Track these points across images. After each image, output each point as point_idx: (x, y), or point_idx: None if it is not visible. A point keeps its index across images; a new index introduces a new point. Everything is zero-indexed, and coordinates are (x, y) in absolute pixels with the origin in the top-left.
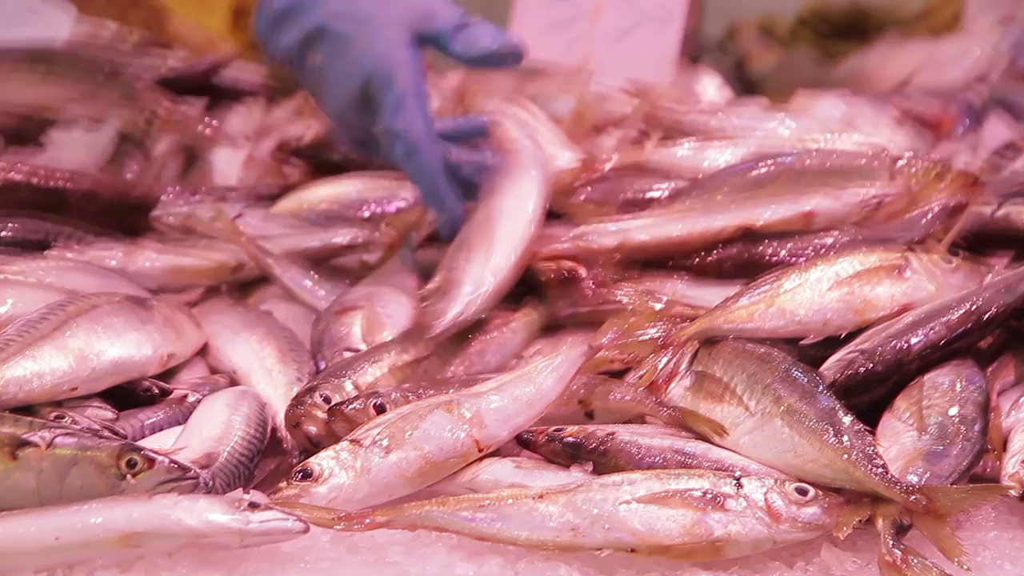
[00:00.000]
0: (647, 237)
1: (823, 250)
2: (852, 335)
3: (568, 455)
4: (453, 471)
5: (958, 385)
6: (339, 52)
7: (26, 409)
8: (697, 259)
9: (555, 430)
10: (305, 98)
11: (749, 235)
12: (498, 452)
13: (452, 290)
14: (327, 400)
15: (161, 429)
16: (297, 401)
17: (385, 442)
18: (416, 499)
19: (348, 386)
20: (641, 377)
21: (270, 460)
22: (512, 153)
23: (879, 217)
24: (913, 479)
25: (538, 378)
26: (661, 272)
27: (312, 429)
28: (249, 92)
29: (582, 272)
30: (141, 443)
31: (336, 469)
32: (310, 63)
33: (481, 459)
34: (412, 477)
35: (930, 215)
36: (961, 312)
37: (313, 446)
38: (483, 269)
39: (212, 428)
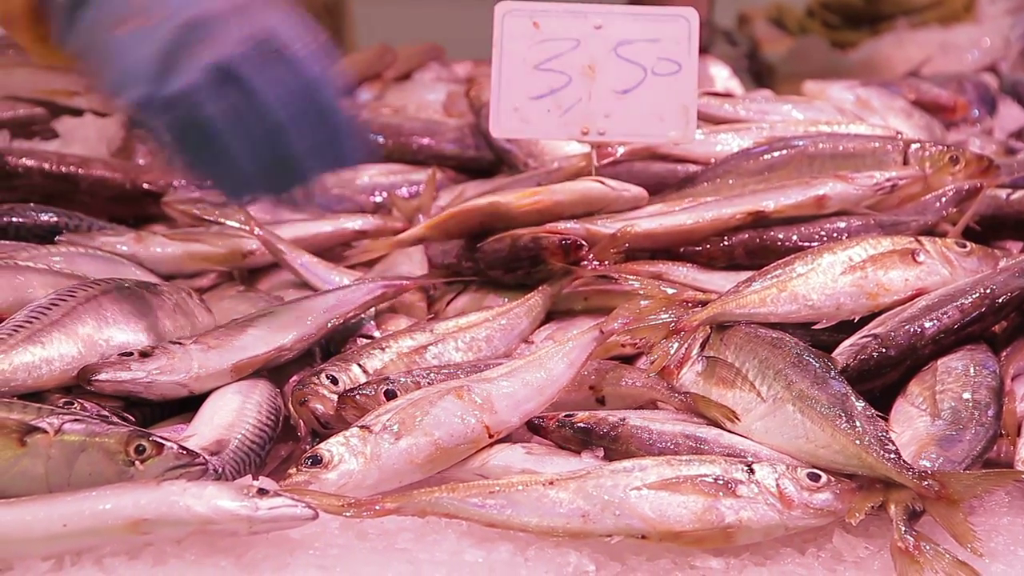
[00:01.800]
0: (656, 225)
1: (836, 235)
2: (865, 320)
3: (579, 441)
4: (463, 457)
5: (971, 370)
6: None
7: (35, 395)
8: (708, 245)
9: (566, 416)
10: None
11: (760, 221)
12: (509, 438)
13: None
14: (333, 380)
15: (171, 415)
16: (303, 381)
17: (395, 428)
18: (426, 485)
19: (355, 369)
20: (653, 363)
21: (282, 447)
22: None
23: (892, 201)
24: (926, 464)
25: (549, 363)
26: (672, 257)
27: (318, 407)
28: None
29: (583, 243)
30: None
31: (346, 455)
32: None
33: (492, 445)
34: (422, 463)
35: (944, 199)
36: (975, 297)
37: (321, 426)
38: None
39: (223, 415)
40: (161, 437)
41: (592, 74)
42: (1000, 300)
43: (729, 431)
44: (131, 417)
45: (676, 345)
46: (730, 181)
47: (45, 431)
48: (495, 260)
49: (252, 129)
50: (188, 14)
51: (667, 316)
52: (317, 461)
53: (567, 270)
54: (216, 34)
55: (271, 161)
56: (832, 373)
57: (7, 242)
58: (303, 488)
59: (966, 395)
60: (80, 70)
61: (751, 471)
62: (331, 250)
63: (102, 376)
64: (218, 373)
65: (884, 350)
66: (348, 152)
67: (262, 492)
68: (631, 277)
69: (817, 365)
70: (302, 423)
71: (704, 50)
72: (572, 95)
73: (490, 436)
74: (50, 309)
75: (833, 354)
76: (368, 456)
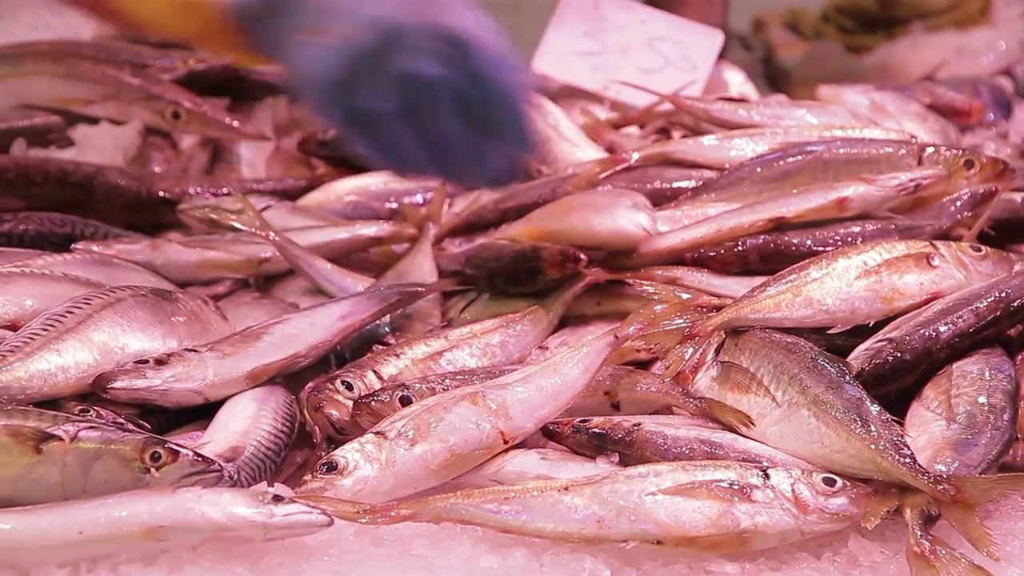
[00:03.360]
0: (678, 240)
1: (850, 239)
2: (880, 324)
3: (594, 446)
4: (478, 463)
5: (987, 374)
6: None
7: (51, 403)
8: (722, 250)
9: (581, 421)
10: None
11: (781, 226)
12: (524, 443)
13: None
14: (348, 386)
15: (186, 422)
16: (318, 387)
17: (410, 434)
18: (441, 492)
19: (370, 375)
20: (668, 368)
21: (298, 453)
22: None
23: (909, 202)
24: (941, 468)
25: (564, 369)
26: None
27: (333, 413)
28: (271, 91)
29: (581, 256)
30: (165, 436)
31: (361, 462)
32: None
33: (506, 451)
34: (437, 469)
35: (959, 203)
36: (990, 300)
37: (336, 432)
38: None
39: (239, 422)
40: (176, 444)
41: (624, 54)
42: (1015, 304)
43: (744, 436)
44: (147, 424)
45: (691, 350)
46: (745, 189)
47: (61, 438)
48: (496, 270)
49: (435, 117)
50: (377, 20)
51: (681, 321)
52: (332, 467)
53: (579, 273)
54: (405, 40)
55: (448, 145)
56: (847, 378)
57: (23, 250)
58: (318, 495)
59: (981, 399)
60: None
61: (766, 476)
62: (347, 256)
63: (117, 384)
64: (233, 380)
65: (899, 354)
66: (522, 139)
67: (277, 499)
68: (645, 282)
69: (832, 370)
70: (317, 429)
71: (719, 55)
72: (603, 61)
73: (505, 442)
74: (66, 317)
75: (848, 358)
76: (383, 462)
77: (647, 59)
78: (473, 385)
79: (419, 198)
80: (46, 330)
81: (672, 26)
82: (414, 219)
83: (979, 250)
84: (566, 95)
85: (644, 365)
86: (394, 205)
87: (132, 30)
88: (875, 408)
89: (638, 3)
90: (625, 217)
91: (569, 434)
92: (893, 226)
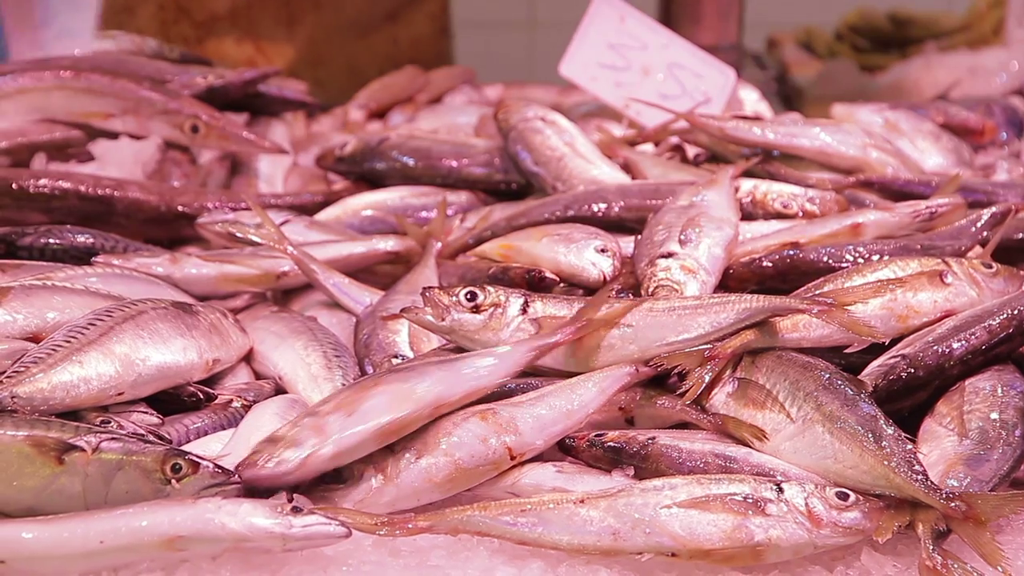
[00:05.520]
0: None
1: (865, 255)
2: (893, 340)
3: (609, 460)
4: (485, 478)
5: (999, 390)
6: None
7: (73, 414)
8: (740, 266)
9: (596, 435)
10: None
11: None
12: (540, 457)
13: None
14: None
15: (206, 434)
16: None
17: (416, 447)
18: (458, 503)
19: None
20: (688, 391)
21: None
22: None
23: (924, 228)
24: (954, 483)
25: (580, 390)
26: None
27: None
28: (290, 106)
29: (548, 275)
30: (186, 447)
31: (365, 472)
32: None
33: (523, 464)
34: (441, 483)
35: (979, 223)
36: (1002, 317)
37: None
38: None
39: (260, 436)
40: (197, 456)
41: (646, 75)
42: None
43: (758, 451)
44: (167, 436)
45: (710, 373)
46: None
47: (83, 449)
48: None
49: None
50: None
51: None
52: (336, 476)
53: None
54: None
55: None
56: (862, 396)
57: (44, 263)
58: (337, 506)
59: (993, 415)
60: None
61: (780, 490)
62: (364, 270)
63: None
64: (362, 443)
65: (912, 370)
66: None
67: (296, 510)
68: None
69: (848, 388)
70: None
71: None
72: (626, 78)
73: (512, 458)
74: (87, 329)
75: (861, 375)
76: (387, 473)
77: (666, 84)
78: (489, 402)
79: (435, 214)
80: (68, 342)
81: (691, 56)
82: (416, 236)
83: (990, 267)
84: (583, 111)
85: (658, 379)
86: (410, 220)
87: None
88: (888, 425)
89: (660, 26)
90: (589, 259)
91: (585, 448)
92: (918, 246)
